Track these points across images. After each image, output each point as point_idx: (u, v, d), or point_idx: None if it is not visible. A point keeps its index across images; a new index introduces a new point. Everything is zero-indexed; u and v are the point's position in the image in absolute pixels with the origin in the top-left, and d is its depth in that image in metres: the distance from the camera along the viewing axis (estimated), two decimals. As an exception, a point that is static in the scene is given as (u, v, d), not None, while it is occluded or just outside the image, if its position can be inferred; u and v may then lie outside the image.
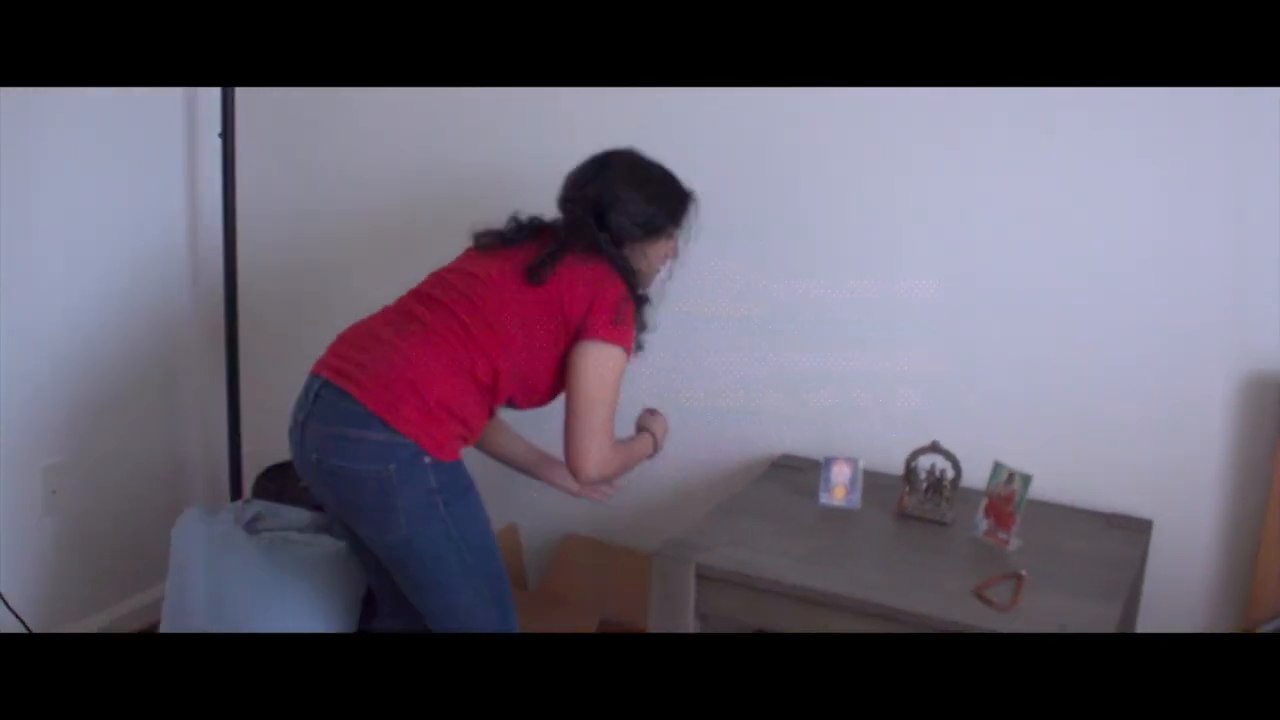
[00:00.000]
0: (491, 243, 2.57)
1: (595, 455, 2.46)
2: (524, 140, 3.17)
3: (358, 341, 2.43)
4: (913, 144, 2.79)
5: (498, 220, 2.61)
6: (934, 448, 2.63)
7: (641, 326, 2.55)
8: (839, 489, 2.68)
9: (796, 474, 2.88)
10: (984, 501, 2.56)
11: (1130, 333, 2.68)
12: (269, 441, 3.52)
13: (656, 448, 2.75)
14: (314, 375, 2.42)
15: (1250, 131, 2.50)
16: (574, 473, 2.49)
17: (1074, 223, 2.68)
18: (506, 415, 2.73)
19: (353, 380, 2.33)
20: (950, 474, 2.64)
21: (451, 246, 2.64)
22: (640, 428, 2.77)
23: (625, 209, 2.51)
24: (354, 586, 2.79)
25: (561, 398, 2.52)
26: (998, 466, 2.55)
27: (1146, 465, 2.71)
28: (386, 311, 2.50)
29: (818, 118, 2.86)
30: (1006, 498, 2.51)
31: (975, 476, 2.65)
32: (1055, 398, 2.76)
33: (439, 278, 2.54)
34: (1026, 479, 2.49)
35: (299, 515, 2.90)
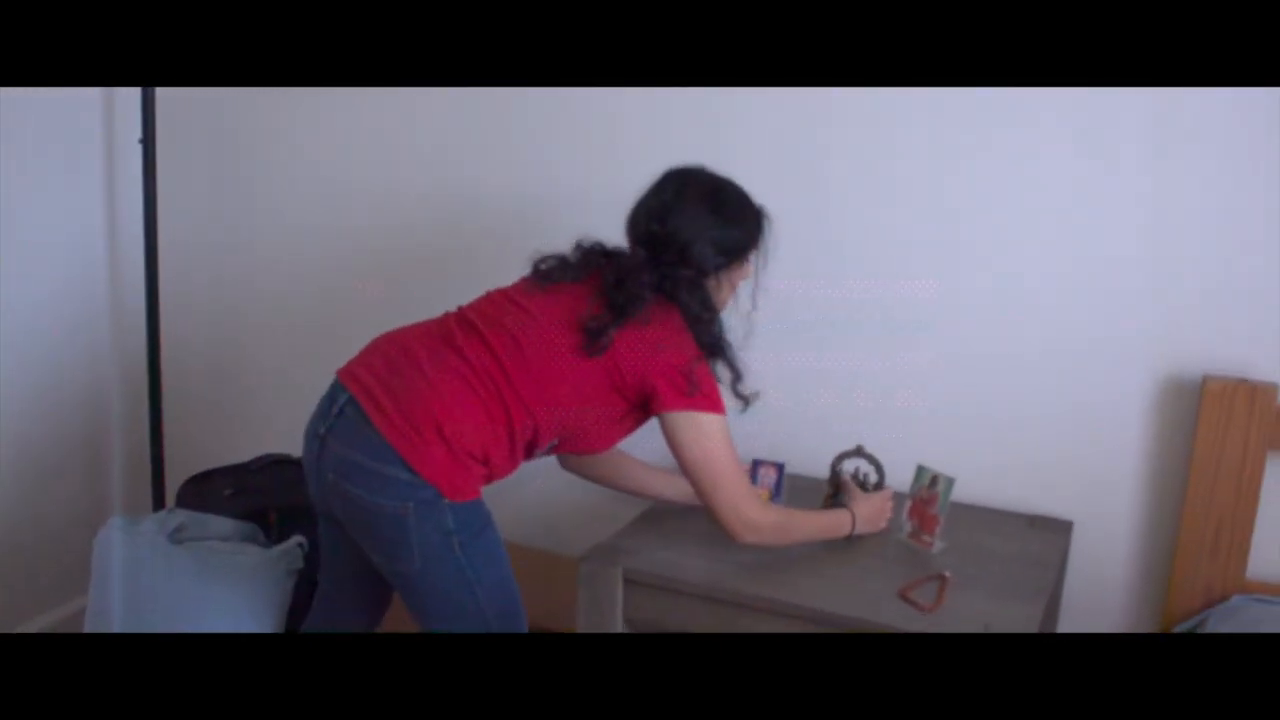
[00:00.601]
0: (550, 271, 2.40)
1: (740, 526, 2.33)
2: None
3: (392, 358, 2.30)
4: (831, 130, 2.82)
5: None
6: (858, 451, 2.65)
7: (736, 375, 2.36)
8: (764, 492, 2.69)
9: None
10: (907, 504, 2.58)
11: (1050, 335, 2.71)
12: (192, 449, 3.51)
13: (853, 531, 2.53)
14: (340, 385, 2.30)
15: (1170, 132, 2.54)
16: (721, 527, 2.35)
17: (992, 225, 2.72)
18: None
19: (379, 408, 2.22)
20: (874, 478, 2.66)
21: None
22: (840, 494, 2.62)
23: (709, 237, 2.32)
24: (281, 595, 2.77)
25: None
26: (921, 469, 2.57)
27: (1067, 467, 2.75)
28: (428, 327, 2.36)
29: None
30: (929, 500, 2.53)
31: (899, 479, 2.67)
32: (977, 400, 2.79)
33: (490, 300, 2.40)
34: (950, 481, 2.52)
35: (223, 525, 2.87)
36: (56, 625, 3.41)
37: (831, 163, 2.82)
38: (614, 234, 2.42)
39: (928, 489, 2.54)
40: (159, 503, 3.43)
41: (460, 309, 2.40)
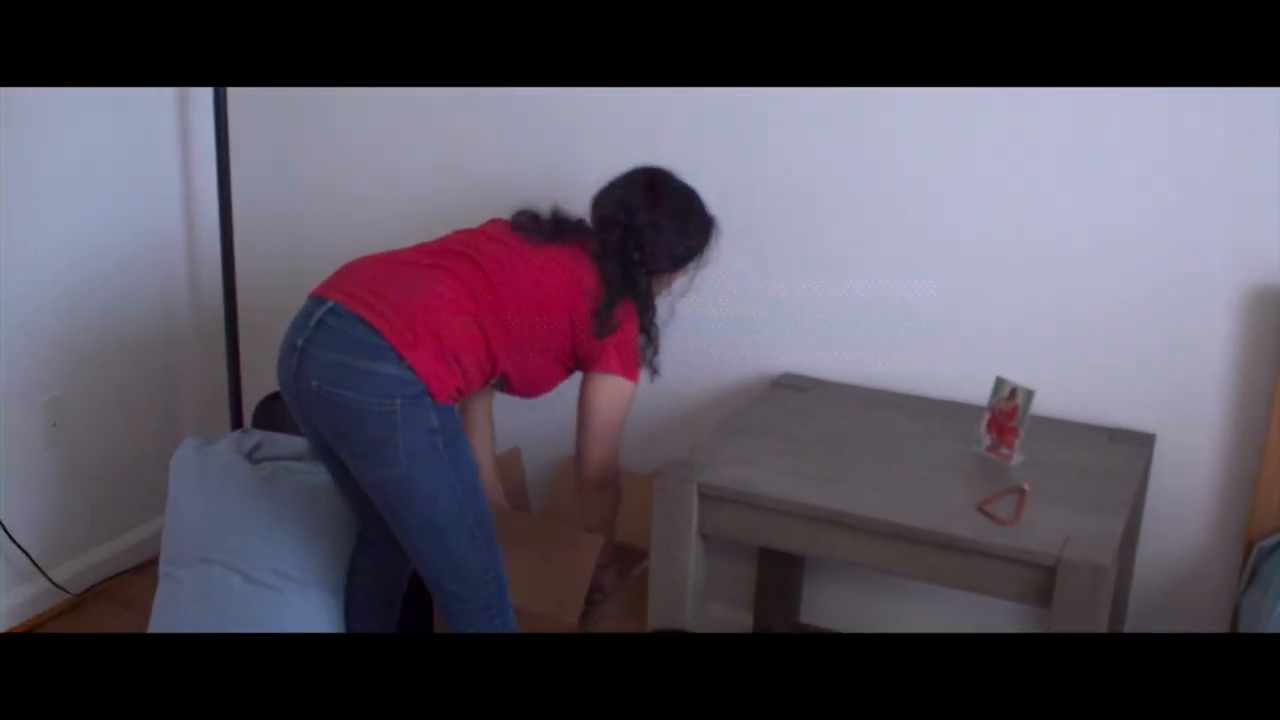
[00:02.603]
0: (528, 225, 2.56)
1: (596, 479, 2.65)
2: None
3: (375, 274, 2.38)
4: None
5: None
6: None
7: (655, 351, 2.63)
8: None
9: (797, 392, 2.86)
10: (986, 417, 2.55)
11: (1132, 246, 2.65)
12: (268, 371, 3.52)
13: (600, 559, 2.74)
14: (317, 298, 2.36)
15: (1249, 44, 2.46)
16: (579, 471, 2.67)
17: (1075, 134, 2.65)
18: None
19: (372, 309, 2.28)
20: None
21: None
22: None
23: (666, 240, 2.56)
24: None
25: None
26: (1000, 382, 2.53)
27: (1149, 380, 2.70)
28: (405, 253, 2.47)
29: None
30: (1009, 413, 2.50)
31: (978, 393, 2.64)
32: (1058, 313, 2.75)
33: (471, 234, 2.55)
34: (1029, 393, 2.48)
35: (298, 444, 2.88)
36: (136, 546, 3.47)
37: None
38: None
39: (1006, 401, 2.50)
40: (236, 424, 3.46)
41: (436, 241, 2.53)
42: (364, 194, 3.42)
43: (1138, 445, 2.64)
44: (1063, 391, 2.76)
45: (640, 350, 2.58)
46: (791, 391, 2.88)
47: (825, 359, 2.94)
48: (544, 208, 2.59)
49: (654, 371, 2.64)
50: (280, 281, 3.53)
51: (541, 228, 2.55)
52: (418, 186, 3.34)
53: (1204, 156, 2.56)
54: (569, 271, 2.48)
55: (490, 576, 2.42)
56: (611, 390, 2.56)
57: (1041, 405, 2.64)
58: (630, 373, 2.56)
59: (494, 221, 2.61)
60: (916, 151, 2.79)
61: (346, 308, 2.30)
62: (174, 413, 3.60)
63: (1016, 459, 2.48)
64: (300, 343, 2.33)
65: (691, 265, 2.65)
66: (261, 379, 3.43)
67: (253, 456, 2.83)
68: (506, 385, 2.55)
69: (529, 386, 2.56)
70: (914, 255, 2.84)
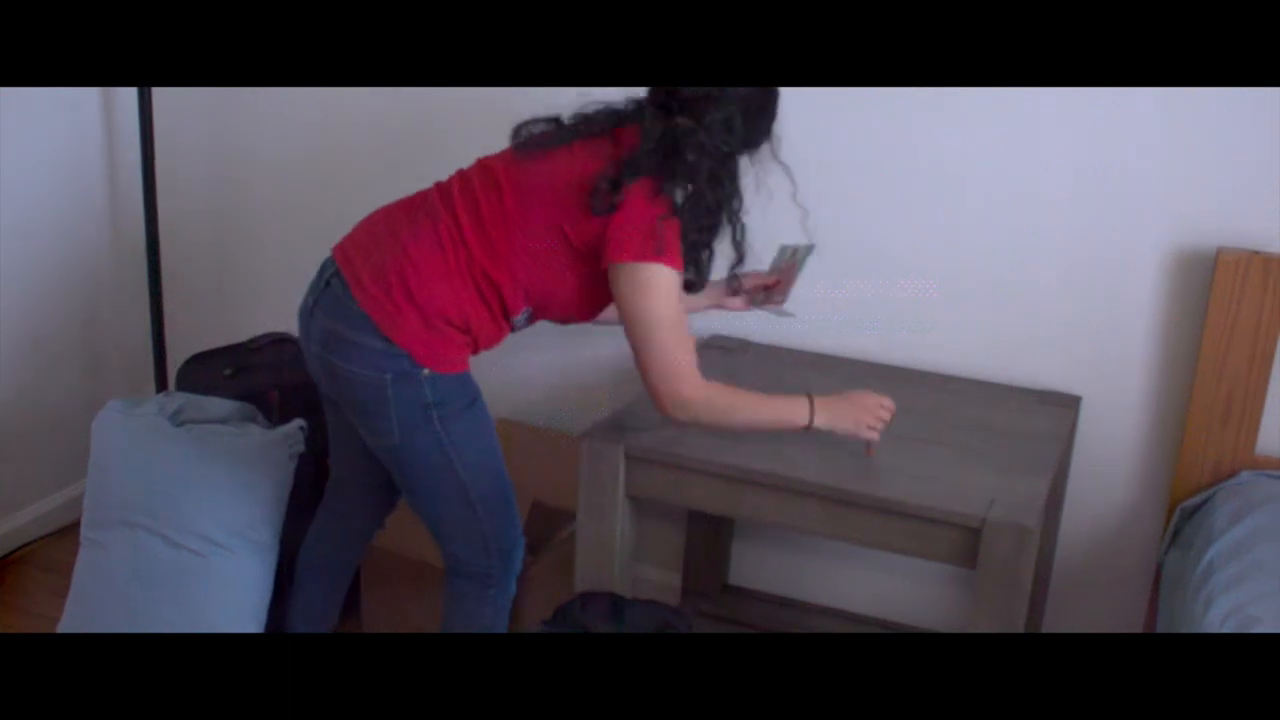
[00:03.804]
0: (532, 138, 2.30)
1: (669, 399, 2.19)
2: None
3: (376, 232, 2.29)
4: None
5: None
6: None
7: (740, 257, 2.30)
8: None
9: (725, 354, 2.86)
10: (770, 279, 2.60)
11: (1060, 208, 2.66)
12: (193, 331, 3.47)
13: (812, 423, 2.27)
14: (330, 259, 2.31)
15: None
16: (659, 408, 2.23)
17: (1003, 95, 2.65)
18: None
19: (356, 278, 2.22)
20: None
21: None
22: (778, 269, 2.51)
23: (727, 114, 2.19)
24: (284, 477, 2.75)
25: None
26: (782, 248, 2.57)
27: (1076, 341, 2.72)
28: (414, 200, 2.32)
29: None
30: (788, 269, 2.57)
31: (906, 357, 2.64)
32: (986, 275, 2.75)
33: (473, 169, 2.32)
34: (809, 248, 2.55)
35: (223, 406, 2.84)
36: (57, 510, 3.42)
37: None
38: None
39: (788, 260, 2.56)
40: (161, 386, 3.41)
41: (450, 178, 2.34)
42: (294, 137, 3.36)
43: (1064, 407, 2.66)
44: (990, 353, 2.77)
45: (674, 233, 2.16)
46: (720, 353, 2.87)
47: (752, 320, 2.93)
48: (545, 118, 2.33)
49: (736, 281, 2.37)
50: (206, 237, 3.49)
51: (553, 134, 2.28)
52: (353, 130, 3.29)
53: (1132, 119, 2.57)
54: (562, 164, 2.22)
55: (494, 547, 2.38)
56: (626, 283, 2.15)
57: (969, 367, 2.65)
58: (647, 255, 2.13)
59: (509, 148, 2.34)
60: (838, 105, 2.78)
61: (341, 272, 2.26)
62: (96, 374, 3.53)
63: (788, 305, 2.60)
64: (311, 304, 2.31)
65: (763, 151, 2.29)
66: (186, 339, 3.39)
67: (177, 419, 2.79)
68: (540, 316, 2.35)
69: (566, 309, 2.33)
70: (849, 222, 2.82)
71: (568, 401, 3.12)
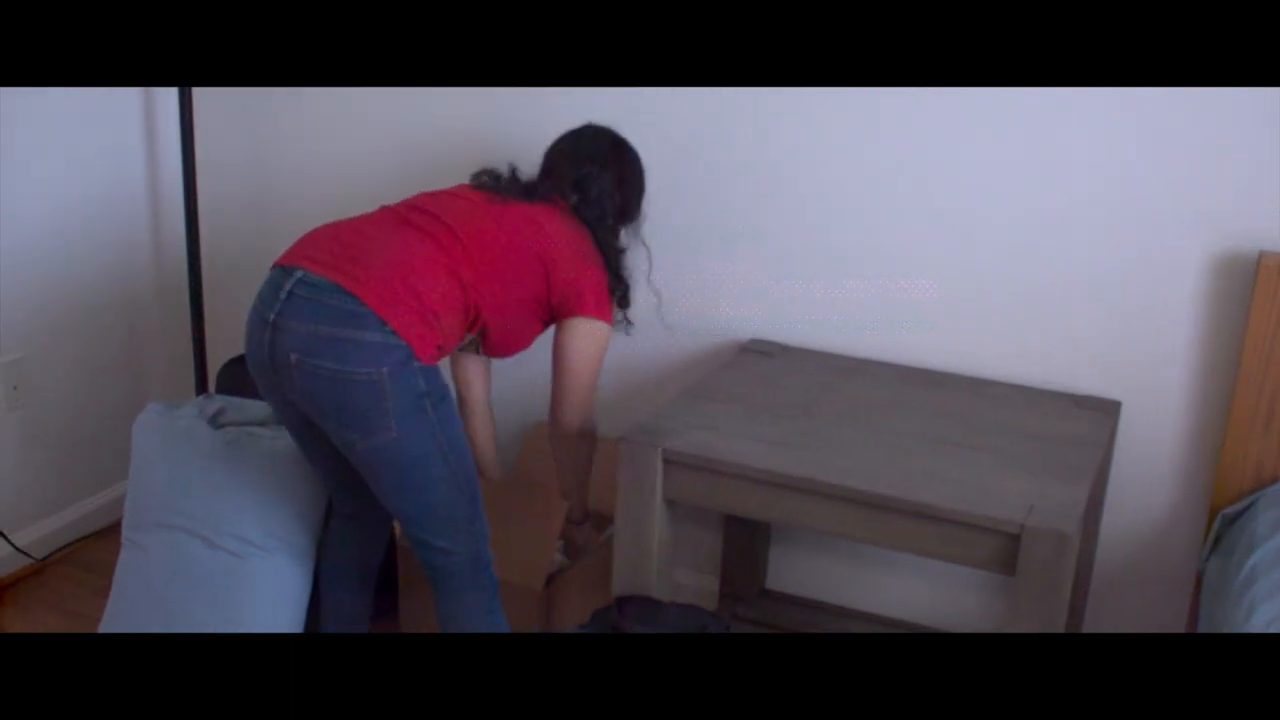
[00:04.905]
0: (490, 184, 2.58)
1: (574, 424, 2.66)
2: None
3: (342, 240, 2.33)
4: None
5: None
6: None
7: (626, 299, 2.67)
8: None
9: (764, 358, 2.85)
10: None
11: (1099, 214, 2.65)
12: (232, 333, 3.49)
13: (571, 525, 2.83)
14: (283, 268, 2.30)
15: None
16: (555, 422, 2.67)
17: (1041, 103, 2.64)
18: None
19: (346, 274, 2.24)
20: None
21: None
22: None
23: (630, 194, 2.69)
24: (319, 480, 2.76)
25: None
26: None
27: (1115, 347, 2.70)
28: (370, 217, 2.43)
29: None
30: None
31: (945, 362, 2.63)
32: (1025, 280, 2.74)
33: (434, 196, 2.53)
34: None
35: (262, 408, 2.86)
36: (99, 510, 3.44)
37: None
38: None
39: None
40: (201, 389, 3.43)
41: (400, 203, 2.50)
42: (331, 154, 3.38)
43: (1103, 413, 2.64)
44: (1029, 359, 2.76)
45: (611, 292, 2.61)
46: (759, 357, 2.87)
47: (793, 325, 2.93)
48: (503, 168, 2.61)
49: (629, 323, 2.70)
50: (246, 241, 3.51)
51: (506, 186, 2.56)
52: (387, 147, 3.30)
53: (1173, 120, 2.55)
54: (537, 223, 2.49)
55: (476, 527, 2.41)
56: (588, 334, 2.57)
57: (1006, 372, 2.63)
58: (605, 314, 2.58)
59: (456, 186, 2.59)
60: (876, 120, 2.78)
61: (318, 275, 2.25)
62: (138, 376, 3.57)
63: None
64: (272, 316, 2.26)
65: (634, 224, 2.75)
66: (226, 342, 3.42)
67: (216, 421, 2.80)
68: (483, 343, 2.53)
69: (507, 342, 2.54)
70: (886, 223, 2.82)
71: (605, 405, 3.12)
